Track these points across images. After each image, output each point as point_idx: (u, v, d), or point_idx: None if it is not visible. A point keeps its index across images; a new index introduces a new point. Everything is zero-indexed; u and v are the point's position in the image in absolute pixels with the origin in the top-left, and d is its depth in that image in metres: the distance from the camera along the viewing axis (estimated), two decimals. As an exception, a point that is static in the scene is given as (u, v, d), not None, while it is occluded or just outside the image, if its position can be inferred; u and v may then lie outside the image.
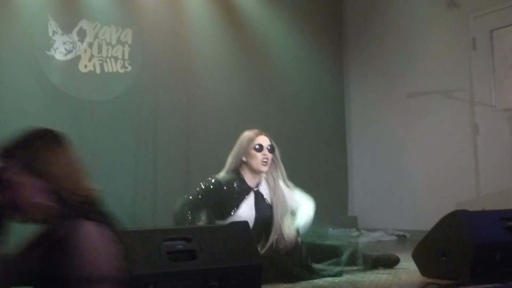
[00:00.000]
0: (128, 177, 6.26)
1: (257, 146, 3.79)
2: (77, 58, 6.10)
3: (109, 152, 6.16)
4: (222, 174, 3.85)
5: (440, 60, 6.64)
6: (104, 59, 6.25)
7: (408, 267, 3.84)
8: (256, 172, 3.81)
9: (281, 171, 3.90)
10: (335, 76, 7.70)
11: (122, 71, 6.34)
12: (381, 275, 3.75)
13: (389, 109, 7.23)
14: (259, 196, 3.83)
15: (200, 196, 3.77)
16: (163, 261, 2.40)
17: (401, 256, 4.13)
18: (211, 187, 3.77)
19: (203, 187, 3.80)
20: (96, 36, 6.21)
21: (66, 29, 6.05)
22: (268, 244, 3.72)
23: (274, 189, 3.84)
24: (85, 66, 6.14)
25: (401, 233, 6.63)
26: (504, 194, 5.84)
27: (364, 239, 6.58)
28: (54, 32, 5.98)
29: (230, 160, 3.88)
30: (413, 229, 6.23)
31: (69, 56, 6.05)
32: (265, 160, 3.77)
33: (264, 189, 3.87)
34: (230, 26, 6.91)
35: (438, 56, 6.67)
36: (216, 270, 2.49)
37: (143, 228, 2.60)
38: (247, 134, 3.87)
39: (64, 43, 6.01)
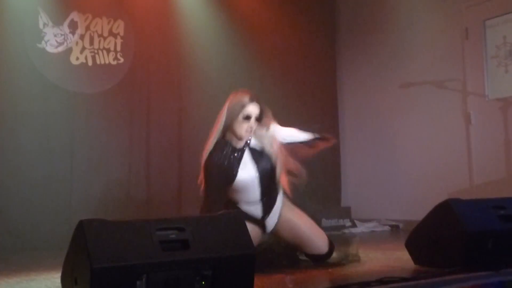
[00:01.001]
0: (121, 168, 6.25)
1: (245, 115, 3.73)
2: (69, 50, 6.07)
3: (101, 144, 6.15)
4: (209, 144, 3.81)
5: (433, 50, 6.65)
6: (96, 51, 6.22)
7: (401, 256, 3.85)
8: (238, 138, 3.78)
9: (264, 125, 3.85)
10: (328, 66, 7.70)
11: (114, 63, 6.31)
12: (375, 264, 3.76)
13: (382, 100, 7.24)
14: (253, 152, 3.81)
15: (210, 187, 3.74)
16: (156, 250, 2.40)
17: (395, 245, 4.14)
18: (208, 166, 3.75)
19: (204, 173, 3.77)
20: (87, 28, 6.17)
21: (57, 21, 6.01)
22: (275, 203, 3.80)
23: (265, 137, 3.83)
24: (77, 58, 6.11)
25: (394, 223, 6.66)
26: (497, 183, 5.87)
27: (357, 230, 6.62)
28: (44, 25, 5.94)
29: (218, 126, 3.81)
30: (406, 219, 6.26)
31: (60, 49, 6.02)
32: (249, 129, 3.74)
33: (256, 145, 3.84)
34: (223, 15, 6.90)
35: (431, 46, 6.68)
36: (209, 259, 2.49)
37: (136, 218, 2.59)
38: (238, 99, 3.77)
39: (55, 35, 5.98)
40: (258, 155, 3.79)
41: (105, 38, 6.28)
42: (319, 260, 3.80)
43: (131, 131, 6.37)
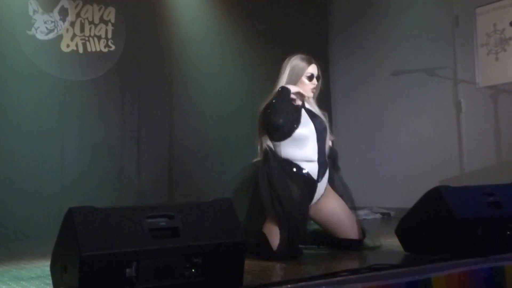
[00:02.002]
0: (112, 156, 6.25)
1: (309, 75, 3.94)
2: (59, 38, 6.04)
3: (93, 131, 6.15)
4: (270, 99, 3.88)
5: (424, 37, 6.66)
6: (87, 38, 6.19)
7: (391, 243, 3.87)
8: (303, 96, 3.94)
9: (315, 100, 4.07)
10: (319, 54, 7.68)
11: (105, 50, 6.29)
12: (365, 251, 3.78)
13: (373, 88, 7.24)
14: (308, 112, 3.95)
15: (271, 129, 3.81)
16: (145, 238, 2.39)
17: (385, 233, 4.16)
18: (267, 111, 3.80)
19: (265, 120, 3.83)
20: (78, 15, 6.14)
21: (47, 8, 5.97)
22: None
23: (317, 110, 4.02)
24: (68, 46, 6.07)
25: (385, 211, 6.68)
26: (487, 171, 5.90)
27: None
28: (34, 11, 5.90)
29: (282, 82, 3.93)
30: (398, 206, 6.27)
31: (50, 36, 5.98)
32: (314, 88, 3.97)
33: (309, 107, 4.01)
34: (215, 2, 6.87)
35: (422, 34, 6.68)
36: (199, 247, 2.49)
37: (126, 205, 2.59)
38: (299, 62, 3.96)
39: (45, 22, 5.94)
40: (313, 116, 3.95)
41: (96, 25, 6.25)
42: (351, 246, 3.84)
43: (122, 118, 6.36)
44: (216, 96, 6.84)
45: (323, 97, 7.66)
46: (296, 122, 3.83)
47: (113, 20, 6.34)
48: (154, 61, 6.58)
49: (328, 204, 3.94)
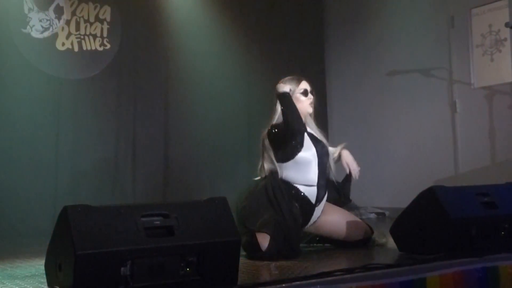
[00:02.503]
0: (108, 154, 6.25)
1: (302, 90, 3.96)
2: (54, 36, 6.03)
3: (88, 130, 6.13)
4: (272, 123, 3.92)
5: (419, 38, 6.66)
6: (82, 37, 6.18)
7: (386, 243, 3.89)
8: (303, 114, 3.94)
9: (314, 121, 4.09)
10: (315, 54, 7.70)
11: (101, 49, 6.28)
12: (360, 251, 3.79)
13: (369, 88, 7.25)
14: (310, 136, 3.96)
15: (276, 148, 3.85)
16: (140, 237, 2.39)
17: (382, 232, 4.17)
18: (274, 130, 3.84)
19: (271, 138, 3.86)
20: (73, 14, 6.13)
21: (42, 6, 5.96)
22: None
23: (318, 134, 4.03)
24: (63, 44, 6.07)
25: (380, 211, 6.68)
26: (482, 171, 5.91)
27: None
28: (30, 9, 5.89)
29: (278, 109, 3.90)
30: (393, 206, 6.27)
31: (46, 34, 5.98)
32: (311, 103, 3.99)
33: (311, 131, 4.02)
34: (211, 2, 6.87)
35: (417, 34, 6.69)
36: (194, 246, 2.49)
37: (121, 204, 2.59)
38: (290, 81, 3.97)
39: (40, 21, 5.93)
40: (315, 140, 3.96)
41: (91, 24, 6.24)
42: (359, 245, 3.90)
43: (117, 117, 6.36)
44: (212, 95, 6.84)
45: (318, 99, 7.78)
46: (300, 144, 3.84)
47: (108, 19, 6.33)
48: (150, 60, 6.58)
49: (328, 217, 3.96)
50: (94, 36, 6.25)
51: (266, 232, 3.57)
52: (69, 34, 6.11)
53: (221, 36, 6.94)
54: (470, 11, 6.26)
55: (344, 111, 7.60)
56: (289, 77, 4.02)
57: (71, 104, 6.07)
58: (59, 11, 6.05)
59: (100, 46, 6.28)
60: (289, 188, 3.80)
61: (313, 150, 3.89)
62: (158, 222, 2.48)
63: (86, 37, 6.20)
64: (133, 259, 2.36)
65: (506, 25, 5.35)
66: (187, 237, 2.49)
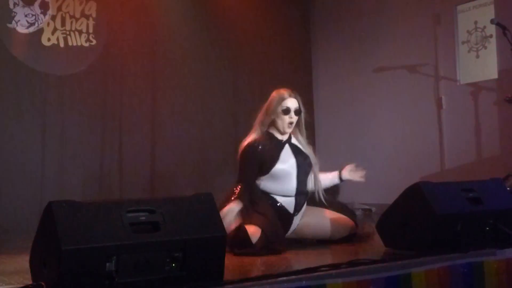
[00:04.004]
0: (94, 151, 6.22)
1: (284, 108, 3.91)
2: (40, 31, 5.99)
3: (74, 126, 6.11)
4: (252, 136, 3.96)
5: (405, 35, 6.69)
6: (68, 32, 6.14)
7: (372, 239, 3.89)
8: (281, 132, 3.96)
9: (301, 133, 4.06)
10: (302, 51, 7.70)
11: (86, 44, 6.25)
12: (346, 247, 3.80)
13: (356, 85, 7.26)
14: (293, 147, 3.98)
15: (248, 169, 3.88)
16: (126, 232, 2.38)
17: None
18: (249, 152, 3.88)
19: (243, 158, 3.90)
20: (59, 9, 6.10)
21: (28, 1, 5.92)
22: (316, 193, 3.99)
23: (304, 144, 4.03)
24: (48, 39, 6.03)
25: (367, 207, 6.70)
26: (468, 167, 5.94)
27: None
28: (15, 4, 5.85)
29: (260, 119, 3.98)
30: (379, 203, 6.29)
31: (31, 29, 5.94)
32: (290, 122, 3.93)
33: (295, 142, 4.03)
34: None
35: (403, 31, 6.72)
36: (179, 241, 2.48)
37: (106, 200, 2.58)
38: (278, 94, 3.98)
39: (26, 16, 5.89)
40: (297, 151, 3.97)
41: (77, 19, 6.21)
42: (345, 241, 3.93)
43: (104, 113, 6.33)
44: (199, 93, 6.83)
45: (305, 96, 7.77)
46: (276, 159, 3.85)
47: (94, 15, 6.30)
48: (136, 56, 6.55)
49: (309, 220, 4.00)
50: (80, 32, 6.22)
51: (256, 225, 3.59)
52: (55, 29, 6.07)
53: (208, 32, 6.95)
54: (456, 8, 6.29)
55: (331, 108, 7.60)
56: (280, 90, 4.00)
57: (57, 100, 6.03)
58: (44, 6, 6.01)
59: (86, 42, 6.25)
60: (267, 199, 3.84)
61: (292, 161, 3.91)
62: (143, 218, 2.48)
63: (72, 33, 6.17)
64: (118, 254, 2.35)
65: (492, 21, 5.39)
66: (173, 233, 2.48)
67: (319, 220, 4.00)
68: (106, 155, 6.30)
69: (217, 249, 2.58)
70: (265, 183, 3.87)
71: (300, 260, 3.34)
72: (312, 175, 4.01)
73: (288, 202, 3.88)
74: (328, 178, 4.13)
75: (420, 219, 3.26)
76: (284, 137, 3.98)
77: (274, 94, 4.00)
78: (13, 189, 5.66)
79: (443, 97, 6.33)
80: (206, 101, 6.88)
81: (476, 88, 6.04)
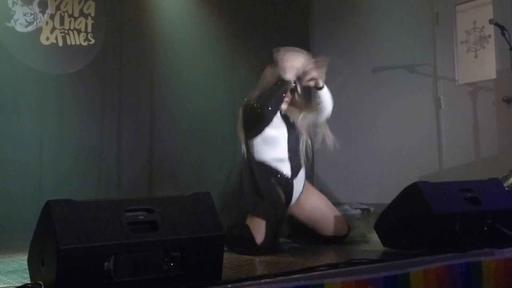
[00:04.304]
0: (92, 150, 6.21)
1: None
2: (39, 30, 5.99)
3: (73, 125, 6.10)
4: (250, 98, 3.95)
5: (404, 34, 6.69)
6: (66, 32, 6.14)
7: (370, 238, 3.89)
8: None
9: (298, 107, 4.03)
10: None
11: (85, 44, 6.25)
12: (344, 247, 3.80)
13: (354, 84, 7.26)
14: (284, 116, 3.97)
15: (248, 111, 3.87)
16: (124, 232, 2.38)
17: (365, 228, 4.18)
18: (248, 107, 3.87)
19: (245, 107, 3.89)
20: (57, 8, 6.09)
21: (27, 0, 5.92)
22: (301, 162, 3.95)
23: (300, 119, 4.00)
24: (47, 39, 6.03)
25: (365, 206, 6.70)
26: (466, 167, 5.95)
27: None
28: (14, 3, 5.84)
29: (256, 93, 3.93)
30: (377, 202, 6.30)
31: (30, 28, 5.93)
32: (285, 100, 3.93)
33: (289, 114, 4.01)
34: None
35: (402, 31, 6.72)
36: (177, 240, 2.48)
37: (104, 199, 2.58)
38: (271, 69, 3.93)
39: (24, 14, 5.88)
40: (287, 120, 3.96)
41: (75, 19, 6.20)
42: (334, 242, 3.87)
43: (102, 112, 6.33)
44: (197, 90, 6.83)
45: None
46: (268, 120, 3.83)
47: (93, 14, 6.29)
48: (135, 55, 6.55)
49: (311, 201, 3.97)
50: (79, 31, 6.21)
51: (259, 216, 3.62)
52: (54, 28, 6.07)
53: (207, 31, 6.93)
54: (455, 7, 6.30)
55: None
56: (272, 70, 3.94)
57: (55, 99, 6.03)
58: (43, 5, 6.01)
59: (84, 41, 6.24)
60: (263, 167, 3.81)
61: (284, 129, 3.91)
62: (142, 217, 2.47)
63: (71, 32, 6.17)
64: (116, 254, 2.35)
65: (490, 21, 5.39)
66: (171, 232, 2.48)
67: (318, 205, 3.96)
68: (105, 154, 6.30)
69: (216, 248, 2.58)
70: (259, 149, 3.84)
71: (298, 259, 3.33)
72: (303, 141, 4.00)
73: (283, 166, 3.85)
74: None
75: (418, 219, 3.26)
76: (283, 108, 3.98)
77: (269, 67, 3.95)
78: (11, 187, 5.66)
79: (441, 97, 6.34)
80: (205, 100, 6.87)
81: (475, 88, 6.05)
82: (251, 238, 3.55)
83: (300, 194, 3.95)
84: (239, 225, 3.67)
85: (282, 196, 3.79)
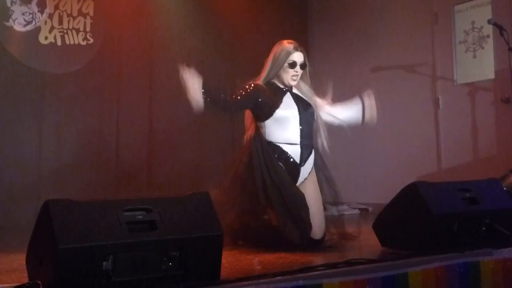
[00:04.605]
0: (91, 149, 6.21)
1: (290, 62, 3.94)
2: (37, 29, 5.99)
3: (71, 125, 6.10)
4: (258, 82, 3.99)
5: (403, 34, 6.70)
6: (65, 31, 6.14)
7: (368, 238, 3.89)
8: (285, 84, 3.98)
9: (307, 84, 4.08)
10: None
11: (84, 43, 6.25)
12: (342, 246, 3.79)
13: (353, 84, 7.25)
14: (294, 96, 3.98)
15: (241, 99, 3.90)
16: (123, 231, 2.38)
17: (363, 228, 4.18)
18: (250, 90, 3.90)
19: (243, 92, 3.91)
20: (56, 7, 6.09)
21: (25, -1, 5.93)
22: (319, 144, 4.05)
23: (308, 96, 4.03)
24: (46, 38, 6.02)
25: (364, 206, 6.71)
26: (464, 167, 5.95)
27: (327, 213, 6.64)
28: (12, 2, 5.84)
29: (266, 71, 4.00)
30: (376, 202, 6.30)
31: (28, 27, 5.93)
32: (294, 76, 3.96)
33: (296, 92, 4.03)
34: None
35: (401, 31, 6.73)
36: (176, 240, 2.48)
37: (103, 199, 2.57)
38: (284, 47, 3.98)
39: (23, 14, 5.88)
40: (299, 100, 3.98)
41: (74, 18, 6.20)
42: (312, 245, 3.78)
43: (101, 112, 6.33)
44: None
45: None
46: (278, 103, 3.86)
47: (91, 13, 6.29)
48: (133, 55, 6.55)
49: (306, 192, 3.88)
50: (77, 30, 6.21)
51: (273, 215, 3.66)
52: (52, 28, 6.06)
53: (205, 29, 6.94)
54: (453, 7, 6.30)
55: (328, 107, 7.60)
56: (287, 42, 4.02)
57: (54, 98, 6.03)
58: (42, 5, 6.01)
59: (83, 40, 6.24)
60: (274, 149, 3.83)
61: (294, 108, 3.90)
62: (140, 217, 2.47)
63: (69, 31, 6.16)
64: (115, 253, 2.35)
65: (489, 21, 5.40)
66: (170, 232, 2.48)
67: (309, 200, 3.86)
68: (104, 154, 6.30)
69: (214, 248, 2.58)
70: (270, 130, 3.86)
71: (296, 259, 3.34)
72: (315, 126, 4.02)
73: (293, 151, 3.85)
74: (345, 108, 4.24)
75: (416, 219, 3.27)
76: (293, 84, 4.00)
77: (278, 47, 4.00)
78: (9, 186, 5.66)
79: (440, 97, 6.34)
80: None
81: (473, 88, 6.06)
82: (287, 241, 3.59)
83: (304, 179, 3.93)
84: (269, 227, 3.70)
85: (289, 179, 3.79)
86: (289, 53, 3.95)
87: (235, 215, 3.83)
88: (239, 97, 3.89)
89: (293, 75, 3.95)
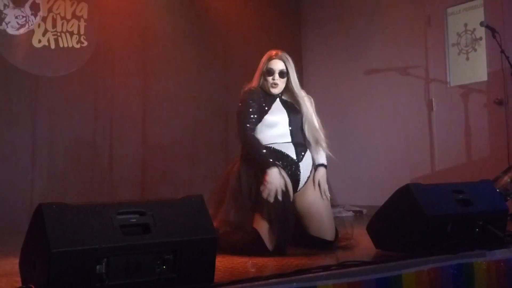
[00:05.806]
0: (85, 153, 6.20)
1: (268, 68, 3.94)
2: (31, 33, 5.98)
3: (65, 128, 6.09)
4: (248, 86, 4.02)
5: (396, 37, 6.72)
6: (59, 34, 6.13)
7: (362, 241, 3.89)
8: (267, 92, 3.97)
9: (295, 91, 4.02)
10: (292, 53, 7.63)
11: (78, 46, 6.24)
12: (336, 248, 3.79)
13: (346, 86, 7.28)
14: (284, 102, 3.98)
15: (247, 108, 3.87)
16: (116, 234, 2.37)
17: (357, 230, 4.19)
18: (248, 95, 3.90)
19: (244, 98, 3.91)
20: (50, 10, 6.09)
21: (18, 2, 5.92)
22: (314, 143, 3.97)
23: (299, 102, 4.00)
24: (39, 41, 6.01)
25: (358, 209, 6.72)
26: (458, 168, 5.97)
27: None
28: (5, 6, 5.83)
29: (255, 80, 4.01)
30: (370, 204, 6.31)
31: (22, 31, 5.92)
32: (274, 84, 3.93)
33: (286, 98, 4.02)
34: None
35: (394, 33, 6.75)
36: (170, 243, 2.48)
37: (96, 202, 2.57)
38: (266, 55, 4.00)
39: (16, 17, 5.87)
40: (289, 106, 3.97)
41: (68, 21, 6.19)
42: (320, 246, 3.77)
43: (95, 115, 6.32)
44: (189, 92, 6.83)
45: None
46: (267, 110, 3.87)
47: (85, 16, 6.29)
48: (127, 58, 6.55)
49: (311, 195, 3.88)
50: (71, 33, 6.20)
51: (265, 226, 3.57)
52: (46, 31, 6.05)
53: (199, 32, 6.95)
54: (446, 10, 6.32)
55: (321, 110, 7.57)
56: (269, 52, 4.02)
57: (47, 102, 6.02)
58: (35, 8, 6.00)
59: (77, 43, 6.23)
60: (267, 150, 3.78)
61: (284, 113, 3.90)
62: (134, 220, 2.47)
63: (63, 34, 6.15)
64: (108, 256, 2.34)
65: (481, 24, 5.42)
66: (163, 235, 2.48)
67: (317, 202, 3.86)
68: (98, 156, 6.29)
69: (208, 251, 2.57)
70: (260, 135, 3.84)
71: (290, 261, 3.33)
72: (307, 127, 3.99)
73: (288, 148, 3.83)
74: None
75: (410, 221, 3.27)
76: (274, 93, 3.97)
77: (265, 56, 4.01)
78: (2, 190, 5.64)
79: (433, 99, 6.36)
80: (198, 102, 6.89)
81: (466, 90, 6.07)
82: (263, 243, 3.53)
83: (307, 179, 3.90)
84: (245, 229, 3.65)
85: (289, 182, 3.73)
86: (267, 61, 3.95)
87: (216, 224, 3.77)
88: (243, 109, 3.89)
89: (272, 83, 3.91)
